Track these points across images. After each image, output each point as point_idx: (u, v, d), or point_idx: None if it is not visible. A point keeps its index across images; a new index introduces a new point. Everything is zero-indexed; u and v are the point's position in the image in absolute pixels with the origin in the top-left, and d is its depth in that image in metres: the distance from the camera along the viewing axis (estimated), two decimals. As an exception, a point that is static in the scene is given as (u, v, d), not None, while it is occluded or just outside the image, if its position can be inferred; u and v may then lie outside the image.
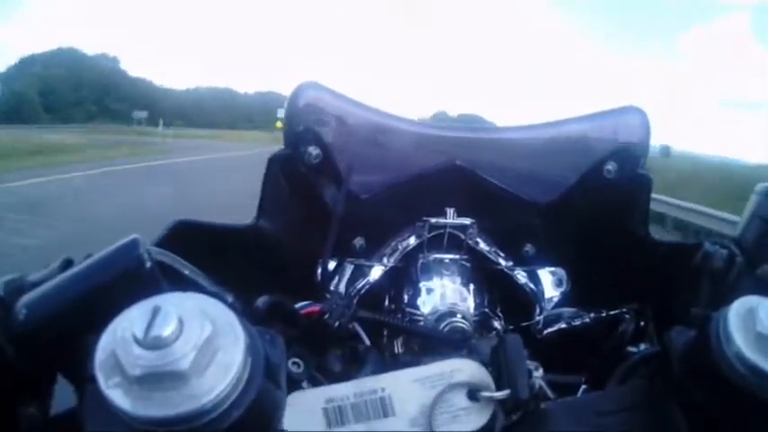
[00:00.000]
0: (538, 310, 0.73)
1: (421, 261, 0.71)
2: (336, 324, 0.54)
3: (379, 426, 0.39)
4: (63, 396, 0.39)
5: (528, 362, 0.42)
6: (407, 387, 0.40)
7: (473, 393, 0.40)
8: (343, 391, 0.40)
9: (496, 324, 0.69)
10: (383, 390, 0.40)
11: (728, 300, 0.38)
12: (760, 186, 0.63)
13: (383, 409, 0.40)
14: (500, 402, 0.40)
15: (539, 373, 0.44)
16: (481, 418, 0.40)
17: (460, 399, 0.40)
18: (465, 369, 0.41)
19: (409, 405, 0.40)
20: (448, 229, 0.71)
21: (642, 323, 0.65)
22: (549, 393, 0.50)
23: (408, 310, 0.68)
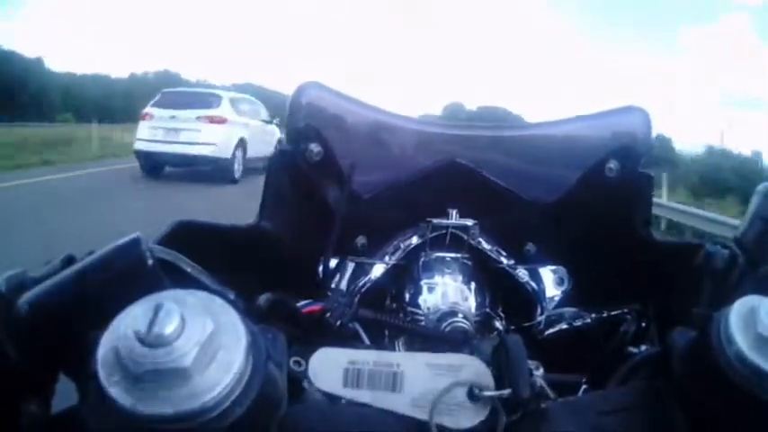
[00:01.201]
0: (539, 310, 0.73)
1: (423, 259, 0.71)
2: (338, 323, 0.55)
3: (385, 398, 0.41)
4: (63, 394, 0.39)
5: (529, 361, 0.42)
6: (419, 369, 0.42)
7: (473, 392, 0.41)
8: (366, 356, 0.42)
9: (498, 324, 0.69)
10: (398, 366, 0.42)
11: (730, 300, 0.38)
12: (761, 187, 0.62)
13: (393, 383, 0.41)
14: (501, 402, 0.40)
15: (539, 372, 0.44)
16: (476, 417, 0.40)
17: (461, 395, 0.41)
18: (471, 366, 0.42)
19: (416, 386, 0.41)
20: (450, 230, 0.71)
21: (643, 323, 0.65)
22: (550, 393, 0.50)
23: (410, 309, 0.68)
